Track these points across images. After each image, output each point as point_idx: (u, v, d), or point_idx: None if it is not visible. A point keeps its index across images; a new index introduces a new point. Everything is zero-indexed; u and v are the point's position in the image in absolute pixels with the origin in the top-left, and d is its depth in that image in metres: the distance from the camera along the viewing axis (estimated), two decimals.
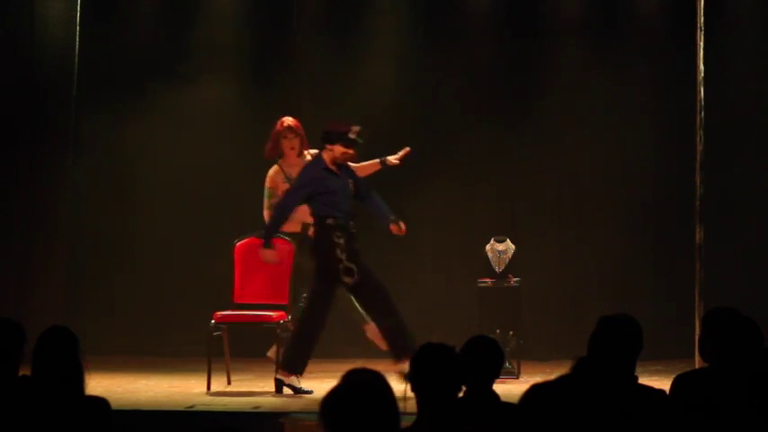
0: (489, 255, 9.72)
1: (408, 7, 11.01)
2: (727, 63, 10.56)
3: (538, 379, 3.74)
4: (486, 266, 9.68)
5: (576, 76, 10.86)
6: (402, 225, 8.76)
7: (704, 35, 8.32)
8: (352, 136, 8.61)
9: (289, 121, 9.29)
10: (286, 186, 9.15)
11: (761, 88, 10.73)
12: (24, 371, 4.73)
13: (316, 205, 8.59)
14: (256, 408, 7.82)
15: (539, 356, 10.11)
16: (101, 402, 4.61)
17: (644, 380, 4.77)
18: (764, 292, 10.13)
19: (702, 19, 8.31)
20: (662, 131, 10.75)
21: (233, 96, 11.07)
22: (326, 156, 8.63)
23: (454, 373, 4.25)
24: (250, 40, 11.08)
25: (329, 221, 8.52)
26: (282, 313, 8.86)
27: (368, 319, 8.87)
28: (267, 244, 8.68)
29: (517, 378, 9.18)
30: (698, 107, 8.32)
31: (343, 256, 8.46)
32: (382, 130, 10.81)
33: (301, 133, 9.25)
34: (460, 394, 4.37)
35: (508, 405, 4.61)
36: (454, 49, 10.95)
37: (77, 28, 10.57)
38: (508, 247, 9.74)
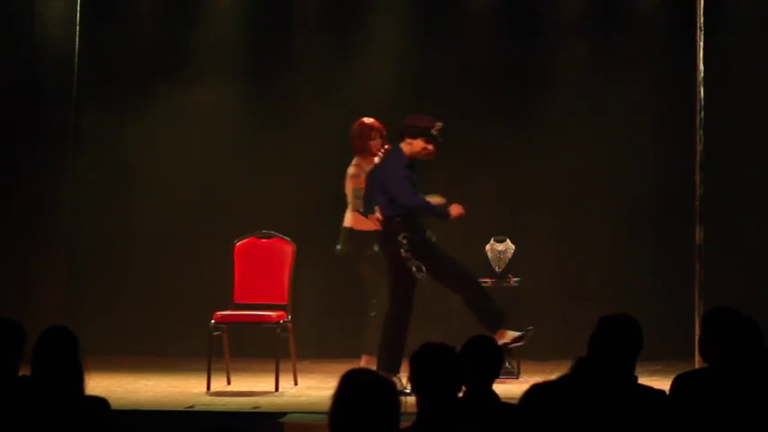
0: (489, 255, 9.72)
1: (408, 7, 11.01)
2: (727, 63, 10.56)
3: (538, 379, 3.73)
4: (486, 266, 9.68)
5: (576, 75, 10.86)
6: None
7: (704, 35, 8.31)
8: (434, 132, 8.53)
9: (371, 120, 9.21)
10: None
11: (761, 88, 10.73)
12: (24, 371, 4.73)
13: (386, 202, 8.49)
14: (256, 408, 7.82)
15: (539, 356, 10.11)
16: (101, 402, 4.61)
17: (644, 380, 4.77)
18: (764, 292, 10.13)
19: (702, 19, 8.31)
20: (662, 131, 10.75)
21: (233, 96, 11.06)
22: (406, 149, 8.54)
23: (454, 373, 4.25)
24: (250, 40, 11.07)
25: (397, 219, 8.44)
26: (282, 313, 8.86)
27: (370, 349, 8.85)
28: (444, 212, 8.55)
29: (517, 378, 9.18)
30: (698, 107, 8.31)
31: (408, 255, 8.37)
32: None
33: (384, 134, 9.19)
34: (460, 394, 4.37)
35: (508, 405, 4.61)
36: (454, 48, 10.95)
37: (77, 28, 10.57)
38: (508, 247, 9.75)
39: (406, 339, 8.36)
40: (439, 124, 8.54)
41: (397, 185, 8.46)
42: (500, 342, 7.92)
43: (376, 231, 8.76)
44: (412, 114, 8.70)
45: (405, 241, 8.36)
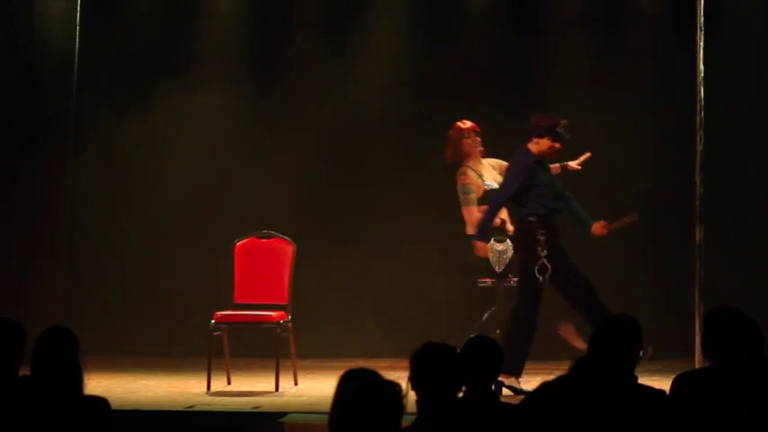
0: (489, 255, 9.71)
1: (407, 8, 11.01)
2: (727, 63, 10.56)
3: (538, 379, 3.73)
4: (486, 266, 9.67)
5: (575, 75, 10.86)
6: (604, 224, 8.91)
7: (704, 35, 8.31)
8: (560, 130, 8.61)
9: (462, 122, 9.43)
10: (480, 183, 9.23)
11: (761, 88, 10.73)
12: (24, 371, 4.73)
13: (521, 200, 8.58)
14: (256, 408, 7.81)
15: (539, 356, 10.09)
16: (101, 402, 4.61)
17: (644, 380, 4.77)
18: (764, 292, 10.12)
19: (702, 19, 8.31)
20: (662, 131, 10.74)
21: (233, 97, 11.06)
22: (534, 148, 8.64)
23: (454, 373, 4.25)
24: (250, 40, 11.07)
25: (531, 218, 8.53)
26: (282, 313, 8.86)
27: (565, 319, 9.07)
28: (483, 237, 8.78)
29: (517, 378, 9.16)
30: (698, 107, 8.31)
31: (543, 254, 8.46)
32: (383, 129, 10.83)
33: (478, 130, 9.43)
34: (460, 394, 4.37)
35: (508, 405, 4.62)
36: (453, 48, 10.95)
37: (77, 28, 10.57)
38: (508, 246, 9.72)
39: (531, 344, 8.53)
40: (564, 122, 8.64)
41: (503, 182, 8.81)
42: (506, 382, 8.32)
43: (496, 229, 9.08)
44: (538, 114, 8.80)
45: (542, 238, 8.46)
